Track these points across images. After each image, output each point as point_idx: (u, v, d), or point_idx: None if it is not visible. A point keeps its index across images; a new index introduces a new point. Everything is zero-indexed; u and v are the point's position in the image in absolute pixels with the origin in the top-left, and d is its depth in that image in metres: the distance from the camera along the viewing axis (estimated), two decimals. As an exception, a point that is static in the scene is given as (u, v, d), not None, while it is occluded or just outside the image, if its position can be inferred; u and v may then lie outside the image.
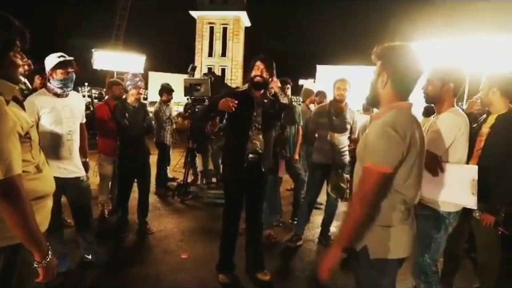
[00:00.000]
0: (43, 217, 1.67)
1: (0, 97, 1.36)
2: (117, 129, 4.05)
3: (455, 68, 2.44)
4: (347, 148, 4.19)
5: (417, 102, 2.43)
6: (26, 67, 1.58)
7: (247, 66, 3.28)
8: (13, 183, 1.38)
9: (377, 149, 1.61)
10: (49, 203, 1.74)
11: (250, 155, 3.09)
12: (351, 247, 1.79)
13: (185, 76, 5.97)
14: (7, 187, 1.37)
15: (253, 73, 3.08)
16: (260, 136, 3.13)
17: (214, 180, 6.18)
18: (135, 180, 4.30)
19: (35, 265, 1.51)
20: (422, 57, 1.70)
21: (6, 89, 1.44)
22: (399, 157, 1.59)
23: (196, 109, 5.65)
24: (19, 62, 1.51)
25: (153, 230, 4.38)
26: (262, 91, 3.12)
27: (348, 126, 4.12)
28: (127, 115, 3.96)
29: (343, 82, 4.04)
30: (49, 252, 1.54)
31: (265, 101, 3.15)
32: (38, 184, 1.62)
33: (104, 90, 4.59)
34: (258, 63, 3.09)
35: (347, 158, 4.19)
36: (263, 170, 3.19)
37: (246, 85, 3.23)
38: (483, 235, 2.71)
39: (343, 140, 4.14)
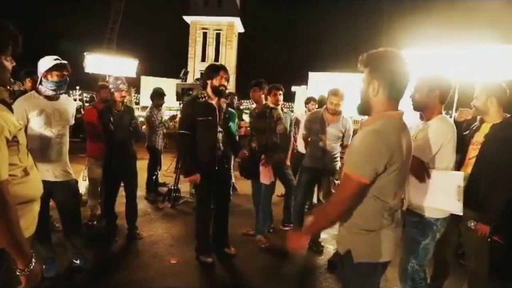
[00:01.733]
0: (29, 221, 1.65)
1: None
2: (104, 133, 4.04)
3: (440, 76, 2.47)
4: (339, 154, 4.23)
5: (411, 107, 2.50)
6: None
7: (209, 72, 3.54)
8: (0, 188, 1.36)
9: (359, 158, 1.63)
10: (36, 207, 1.72)
11: (219, 154, 3.61)
12: (338, 252, 1.86)
13: (178, 81, 5.97)
14: None
15: (218, 82, 3.47)
16: (221, 137, 3.61)
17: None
18: (122, 184, 4.28)
19: (18, 273, 1.48)
20: (410, 63, 1.71)
21: None
22: (378, 169, 1.60)
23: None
24: (10, 66, 1.51)
25: (142, 235, 4.35)
26: (219, 98, 3.57)
27: (341, 134, 4.16)
28: (112, 119, 3.95)
29: (336, 97, 4.00)
30: (33, 260, 1.51)
31: (223, 106, 3.62)
32: (25, 188, 1.60)
33: (95, 93, 4.57)
34: (222, 72, 3.49)
35: (338, 164, 4.24)
36: (226, 166, 3.76)
37: (205, 92, 3.57)
38: (473, 242, 2.74)
39: (335, 147, 4.18)
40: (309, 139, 4.35)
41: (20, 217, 1.48)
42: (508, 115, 2.75)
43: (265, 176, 4.10)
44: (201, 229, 3.78)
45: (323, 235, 4.77)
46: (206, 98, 3.53)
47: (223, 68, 3.57)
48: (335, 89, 4.04)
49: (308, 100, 6.20)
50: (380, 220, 1.71)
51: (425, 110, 2.48)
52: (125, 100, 4.20)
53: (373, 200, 1.69)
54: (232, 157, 4.52)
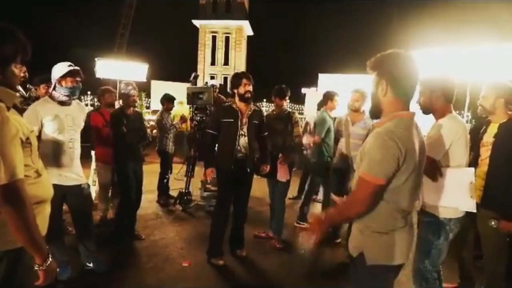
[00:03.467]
0: (41, 222, 1.67)
1: (1, 104, 1.41)
2: (114, 137, 4.08)
3: (441, 77, 2.49)
4: None
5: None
6: (21, 75, 1.61)
7: (233, 81, 3.78)
8: (16, 187, 1.41)
9: (374, 159, 1.62)
10: (47, 208, 1.76)
11: (238, 155, 3.72)
12: (350, 254, 1.86)
13: (188, 85, 6.01)
14: (11, 191, 1.40)
15: (243, 90, 3.71)
16: (245, 141, 3.74)
17: (214, 188, 6.15)
18: None
19: (36, 268, 1.53)
20: (419, 63, 1.73)
21: (8, 96, 1.50)
22: (394, 169, 1.60)
23: (198, 117, 5.68)
24: (19, 72, 1.59)
25: (142, 236, 4.39)
26: (247, 104, 3.77)
27: (366, 133, 4.16)
28: (125, 121, 4.01)
29: (356, 93, 4.18)
30: (49, 255, 1.56)
31: (249, 112, 3.78)
32: (37, 189, 1.65)
33: (99, 98, 4.53)
34: (245, 80, 3.71)
35: None
36: (248, 170, 3.81)
37: (232, 99, 3.84)
38: (491, 243, 2.71)
39: (359, 146, 4.17)
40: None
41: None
42: None
43: (282, 173, 4.27)
44: (214, 231, 3.85)
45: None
46: (231, 103, 3.78)
47: (245, 75, 3.81)
48: (356, 87, 4.25)
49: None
50: (393, 223, 1.70)
51: (433, 112, 2.49)
52: (136, 105, 4.25)
53: (386, 203, 1.68)
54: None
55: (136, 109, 4.41)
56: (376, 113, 1.80)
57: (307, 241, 2.08)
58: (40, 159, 1.73)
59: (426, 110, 2.50)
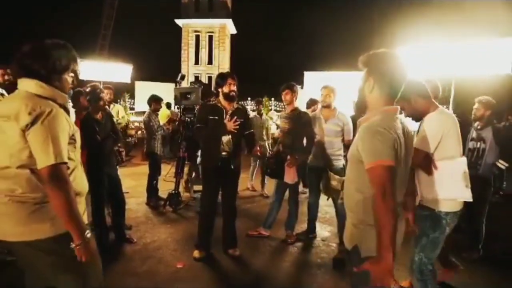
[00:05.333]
0: None
1: (54, 103, 1.70)
2: (85, 144, 3.98)
3: (415, 84, 2.51)
4: (341, 153, 4.29)
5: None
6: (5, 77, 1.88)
7: (218, 81, 3.88)
8: (62, 168, 1.65)
9: (374, 147, 1.65)
10: (83, 202, 1.92)
11: (223, 154, 3.81)
12: (346, 249, 1.89)
13: (172, 85, 5.99)
14: (57, 172, 1.63)
15: (227, 89, 3.81)
16: (229, 139, 3.80)
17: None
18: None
19: (72, 246, 1.70)
20: (406, 62, 1.80)
21: (61, 98, 1.79)
22: (395, 151, 1.64)
23: (187, 118, 5.67)
24: (70, 80, 1.87)
25: (134, 239, 4.35)
26: (231, 102, 3.87)
27: (339, 129, 4.23)
28: (97, 128, 3.93)
29: (325, 89, 4.32)
30: (87, 234, 1.74)
31: (232, 110, 3.87)
32: (76, 183, 1.81)
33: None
34: (229, 80, 3.81)
35: (341, 163, 4.28)
36: (232, 167, 3.87)
37: (217, 98, 3.93)
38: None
39: (335, 143, 4.26)
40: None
41: None
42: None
43: (289, 175, 4.27)
44: (199, 223, 4.02)
45: (326, 233, 4.82)
46: (216, 102, 3.90)
47: (229, 75, 3.89)
48: (325, 85, 4.41)
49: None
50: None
51: (420, 115, 2.55)
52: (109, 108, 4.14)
53: None
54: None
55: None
56: (362, 107, 1.87)
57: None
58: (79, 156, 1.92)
59: (411, 116, 2.59)
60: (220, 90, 3.87)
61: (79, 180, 1.87)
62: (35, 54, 1.73)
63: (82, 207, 1.87)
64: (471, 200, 2.39)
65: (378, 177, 1.61)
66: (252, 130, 4.17)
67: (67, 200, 1.63)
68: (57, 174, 1.62)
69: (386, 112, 1.76)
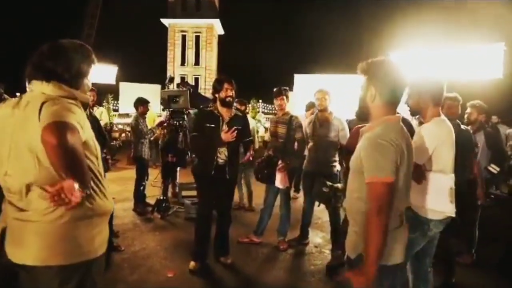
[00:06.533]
0: (105, 236, 1.73)
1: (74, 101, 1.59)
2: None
3: (429, 79, 2.53)
4: (336, 158, 4.25)
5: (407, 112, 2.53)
6: None
7: (215, 86, 3.75)
8: (64, 124, 1.42)
9: (374, 162, 1.67)
10: (107, 223, 1.77)
11: (220, 161, 3.69)
12: (348, 256, 1.88)
13: (158, 86, 5.88)
14: (57, 127, 1.39)
15: (224, 94, 3.66)
16: (225, 148, 3.68)
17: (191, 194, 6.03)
18: None
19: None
20: (403, 68, 1.80)
21: (81, 96, 1.67)
22: (396, 166, 1.66)
23: (175, 122, 5.54)
24: (90, 83, 1.79)
25: (122, 248, 4.23)
26: (228, 109, 3.74)
27: (333, 133, 4.17)
28: None
29: (320, 93, 4.26)
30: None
31: (229, 117, 3.73)
32: (105, 201, 1.68)
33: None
34: (226, 84, 3.67)
35: (335, 168, 4.24)
36: (228, 176, 3.72)
37: (214, 104, 3.80)
38: None
39: (329, 149, 4.19)
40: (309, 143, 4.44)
41: (99, 233, 1.66)
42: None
43: (281, 180, 4.20)
44: (195, 234, 3.83)
45: (318, 239, 4.77)
46: (213, 108, 3.76)
47: (227, 80, 3.74)
48: (319, 88, 4.34)
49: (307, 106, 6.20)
50: (390, 223, 1.71)
51: (420, 113, 2.55)
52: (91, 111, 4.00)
53: None
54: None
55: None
56: (364, 116, 1.89)
57: None
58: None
59: (414, 112, 2.59)
60: (217, 95, 3.74)
61: (108, 197, 1.72)
62: (57, 56, 1.62)
63: (107, 228, 1.76)
64: (453, 215, 2.39)
65: (376, 193, 1.65)
66: (251, 138, 4.05)
67: (70, 153, 1.42)
68: (56, 129, 1.38)
69: (389, 122, 1.77)
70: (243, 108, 6.01)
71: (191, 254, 3.84)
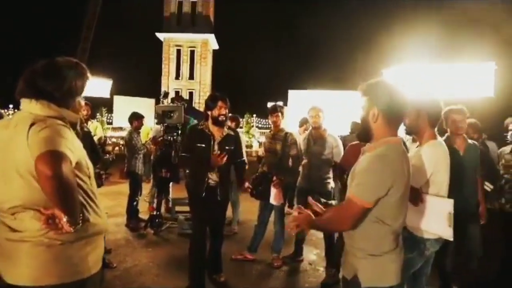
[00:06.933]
0: (99, 255, 1.72)
1: (61, 122, 1.56)
2: None
3: (428, 98, 2.53)
4: (330, 175, 4.25)
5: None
6: None
7: (208, 103, 3.62)
8: (57, 154, 1.41)
9: (363, 183, 1.70)
10: (102, 242, 1.77)
11: (211, 182, 3.56)
12: (344, 276, 1.91)
13: (152, 101, 5.89)
14: (50, 157, 1.38)
15: (217, 113, 3.52)
16: (215, 170, 3.55)
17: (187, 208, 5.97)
18: None
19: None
20: (400, 86, 1.84)
21: (69, 115, 1.64)
22: (380, 195, 1.68)
23: (169, 137, 5.53)
24: (83, 103, 1.79)
25: (114, 264, 4.16)
26: (220, 128, 3.61)
27: (327, 151, 4.18)
28: None
29: (313, 110, 4.27)
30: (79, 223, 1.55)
31: (221, 137, 3.60)
32: (99, 220, 1.67)
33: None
34: (220, 102, 3.53)
35: (330, 185, 4.24)
36: (219, 199, 3.60)
37: (205, 123, 3.66)
38: None
39: (323, 165, 4.20)
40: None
41: (93, 251, 1.65)
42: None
43: (276, 197, 4.16)
44: (190, 254, 3.64)
45: (312, 256, 4.74)
46: (204, 127, 3.62)
47: (221, 98, 3.60)
48: (312, 106, 4.33)
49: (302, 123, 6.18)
50: (386, 245, 1.75)
51: (416, 134, 2.54)
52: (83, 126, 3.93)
53: (378, 224, 1.73)
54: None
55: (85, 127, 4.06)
56: (365, 136, 1.89)
57: (287, 227, 1.93)
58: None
59: (410, 131, 2.57)
60: (209, 113, 3.60)
61: (102, 216, 1.72)
62: (49, 74, 1.60)
63: (102, 247, 1.77)
64: (451, 239, 2.35)
65: (351, 211, 1.72)
66: (243, 159, 3.96)
67: (63, 187, 1.41)
68: (49, 160, 1.38)
69: (391, 143, 1.77)
70: (234, 124, 5.80)
71: (188, 276, 3.62)
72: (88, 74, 1.74)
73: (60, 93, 1.60)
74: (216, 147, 3.56)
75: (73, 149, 1.51)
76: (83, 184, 1.62)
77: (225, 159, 3.47)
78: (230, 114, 5.67)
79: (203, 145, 3.53)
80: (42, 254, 1.51)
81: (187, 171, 3.91)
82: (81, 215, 1.53)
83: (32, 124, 1.47)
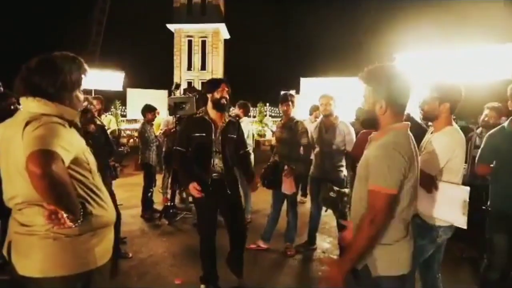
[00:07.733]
0: (107, 246, 1.75)
1: (59, 119, 1.55)
2: None
3: (452, 87, 2.45)
4: (342, 163, 4.22)
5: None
6: None
7: (209, 86, 3.33)
8: (49, 154, 1.39)
9: (382, 171, 1.67)
10: (111, 233, 1.80)
11: (214, 175, 3.24)
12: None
13: (165, 92, 5.91)
14: (41, 156, 1.36)
15: (219, 94, 3.21)
16: (218, 159, 3.25)
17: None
18: None
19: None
20: (407, 71, 1.79)
21: (67, 112, 1.63)
22: (402, 178, 1.66)
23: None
24: (82, 97, 1.74)
25: (130, 254, 4.24)
26: (221, 113, 3.30)
27: (340, 139, 4.15)
28: (90, 142, 3.77)
29: (324, 98, 4.24)
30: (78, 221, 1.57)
31: (223, 124, 3.28)
32: (104, 213, 1.70)
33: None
34: (224, 85, 3.24)
35: (343, 173, 4.22)
36: (229, 192, 3.28)
37: (204, 108, 3.34)
38: None
39: (336, 154, 4.17)
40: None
41: (100, 243, 1.68)
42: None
43: (288, 186, 4.17)
44: (201, 256, 3.44)
45: (326, 244, 4.74)
46: (203, 114, 3.30)
47: (224, 81, 3.31)
48: (323, 94, 4.32)
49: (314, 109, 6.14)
50: (396, 233, 1.75)
51: (434, 120, 2.48)
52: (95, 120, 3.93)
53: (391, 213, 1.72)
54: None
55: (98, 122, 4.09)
56: (371, 125, 1.87)
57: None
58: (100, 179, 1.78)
59: (427, 118, 2.53)
60: (209, 95, 3.25)
61: (109, 208, 1.75)
62: (43, 70, 1.58)
63: (111, 237, 1.79)
64: (465, 227, 2.30)
65: (376, 202, 1.67)
66: (247, 149, 3.64)
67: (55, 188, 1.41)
68: (40, 159, 1.36)
69: (397, 130, 1.76)
70: (242, 111, 5.58)
71: (200, 276, 3.46)
72: (85, 67, 1.70)
73: (54, 88, 1.58)
74: (218, 135, 3.25)
75: (68, 146, 1.49)
76: (84, 179, 1.63)
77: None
78: (240, 101, 5.67)
79: (203, 134, 3.21)
80: (49, 247, 1.55)
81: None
82: (81, 210, 1.55)
83: (27, 123, 1.48)
